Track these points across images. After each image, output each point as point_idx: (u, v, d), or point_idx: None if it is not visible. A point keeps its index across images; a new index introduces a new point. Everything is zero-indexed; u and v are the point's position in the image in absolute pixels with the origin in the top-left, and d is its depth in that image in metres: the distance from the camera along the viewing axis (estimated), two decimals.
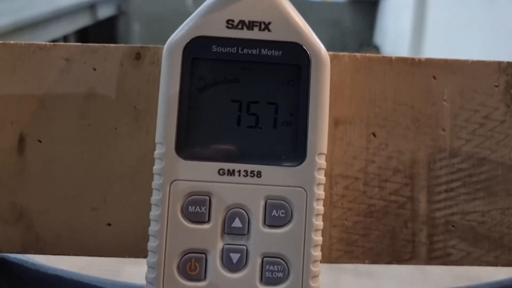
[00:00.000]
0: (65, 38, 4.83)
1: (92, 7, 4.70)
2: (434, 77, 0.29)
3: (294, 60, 0.25)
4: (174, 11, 4.26)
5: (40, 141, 0.29)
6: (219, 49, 0.25)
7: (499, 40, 2.78)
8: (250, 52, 0.25)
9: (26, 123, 0.29)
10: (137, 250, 0.29)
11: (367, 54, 0.29)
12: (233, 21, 0.25)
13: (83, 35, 4.94)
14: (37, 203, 0.29)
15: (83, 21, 4.73)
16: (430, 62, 0.29)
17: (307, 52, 0.25)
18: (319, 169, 0.25)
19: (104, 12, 4.87)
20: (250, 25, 0.25)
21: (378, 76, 0.29)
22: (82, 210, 0.29)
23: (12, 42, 0.29)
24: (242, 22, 0.25)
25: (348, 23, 4.37)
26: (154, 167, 0.25)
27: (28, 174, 0.29)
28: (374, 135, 0.29)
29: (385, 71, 0.29)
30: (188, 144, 0.25)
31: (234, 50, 0.25)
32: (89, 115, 0.29)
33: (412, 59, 0.29)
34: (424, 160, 0.29)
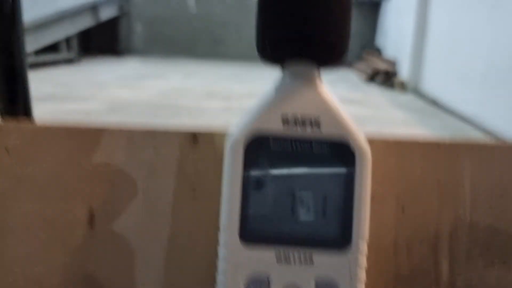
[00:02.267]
0: (67, 39, 4.85)
1: (94, 9, 4.71)
2: (457, 156, 0.33)
3: (341, 157, 0.28)
4: (176, 12, 4.27)
5: (108, 218, 0.33)
6: (277, 147, 0.28)
7: (501, 43, 2.80)
8: (303, 149, 0.28)
9: (95, 199, 0.33)
10: None
11: (397, 139, 0.33)
12: (287, 117, 0.28)
13: (85, 36, 4.95)
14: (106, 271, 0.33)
15: (86, 22, 4.74)
16: (454, 144, 0.33)
17: (353, 149, 0.28)
18: (363, 253, 0.29)
19: (106, 13, 4.88)
20: (303, 122, 0.28)
21: (407, 156, 0.33)
22: None
23: (83, 127, 0.33)
24: (295, 118, 0.28)
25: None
26: (219, 254, 0.29)
27: (98, 247, 0.33)
28: (403, 209, 0.33)
29: (413, 152, 0.33)
30: (249, 232, 0.28)
31: (289, 148, 0.28)
32: (148, 192, 0.33)
33: (438, 143, 0.33)
34: (447, 231, 0.33)
